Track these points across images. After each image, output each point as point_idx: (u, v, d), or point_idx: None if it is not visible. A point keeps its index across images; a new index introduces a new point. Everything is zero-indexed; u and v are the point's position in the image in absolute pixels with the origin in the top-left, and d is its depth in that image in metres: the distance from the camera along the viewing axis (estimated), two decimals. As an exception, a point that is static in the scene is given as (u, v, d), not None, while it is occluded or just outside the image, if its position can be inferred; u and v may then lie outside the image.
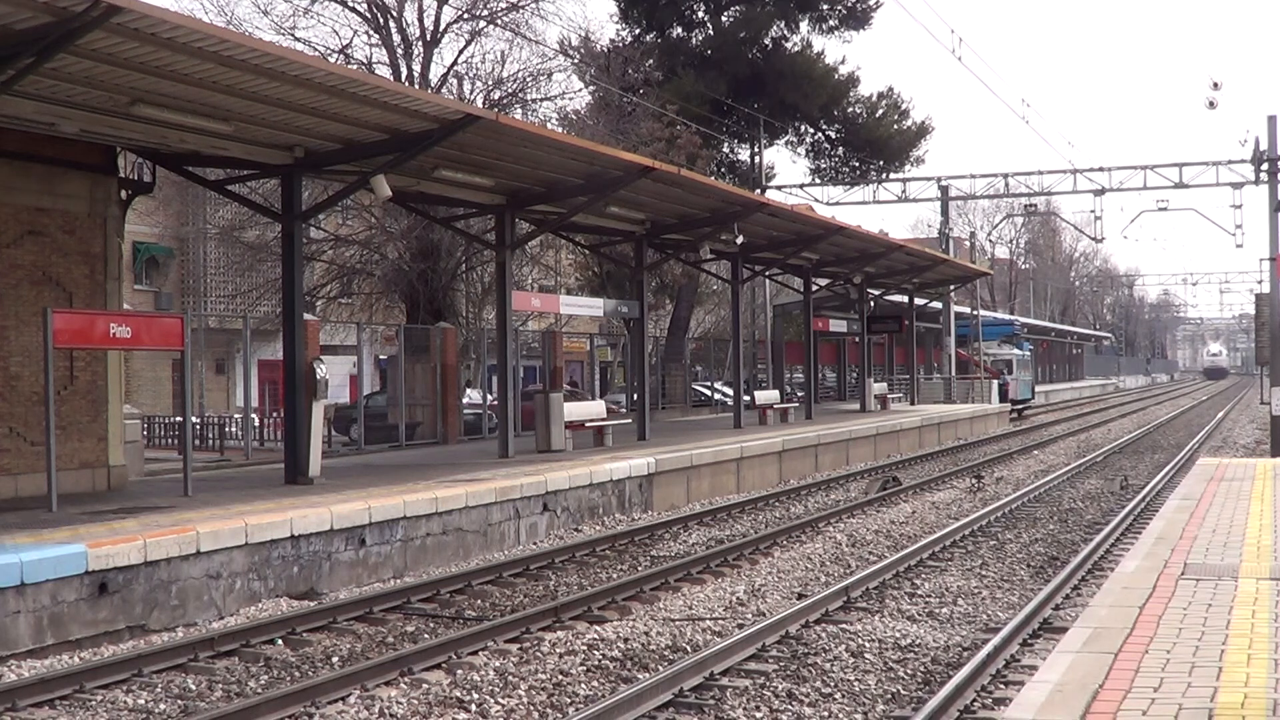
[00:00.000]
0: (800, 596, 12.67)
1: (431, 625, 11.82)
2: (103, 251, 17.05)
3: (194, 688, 9.60)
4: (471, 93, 32.62)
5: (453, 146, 17.34)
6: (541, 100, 35.17)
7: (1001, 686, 9.23)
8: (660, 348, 45.20)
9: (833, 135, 51.04)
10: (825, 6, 47.98)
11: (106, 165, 17.19)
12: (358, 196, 26.06)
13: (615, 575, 14.33)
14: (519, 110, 33.17)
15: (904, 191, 47.29)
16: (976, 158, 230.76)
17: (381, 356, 34.51)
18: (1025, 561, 15.06)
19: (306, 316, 18.32)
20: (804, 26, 48.50)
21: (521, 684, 9.30)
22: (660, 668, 9.68)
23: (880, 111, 50.89)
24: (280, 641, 11.01)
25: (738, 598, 12.70)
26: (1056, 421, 50.26)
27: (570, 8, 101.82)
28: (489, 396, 29.59)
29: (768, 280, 44.81)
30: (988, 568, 14.59)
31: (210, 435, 28.27)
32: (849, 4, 48.13)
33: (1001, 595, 12.93)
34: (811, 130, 51.01)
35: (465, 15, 32.30)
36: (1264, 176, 35.44)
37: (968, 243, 68.13)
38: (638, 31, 47.01)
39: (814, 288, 37.71)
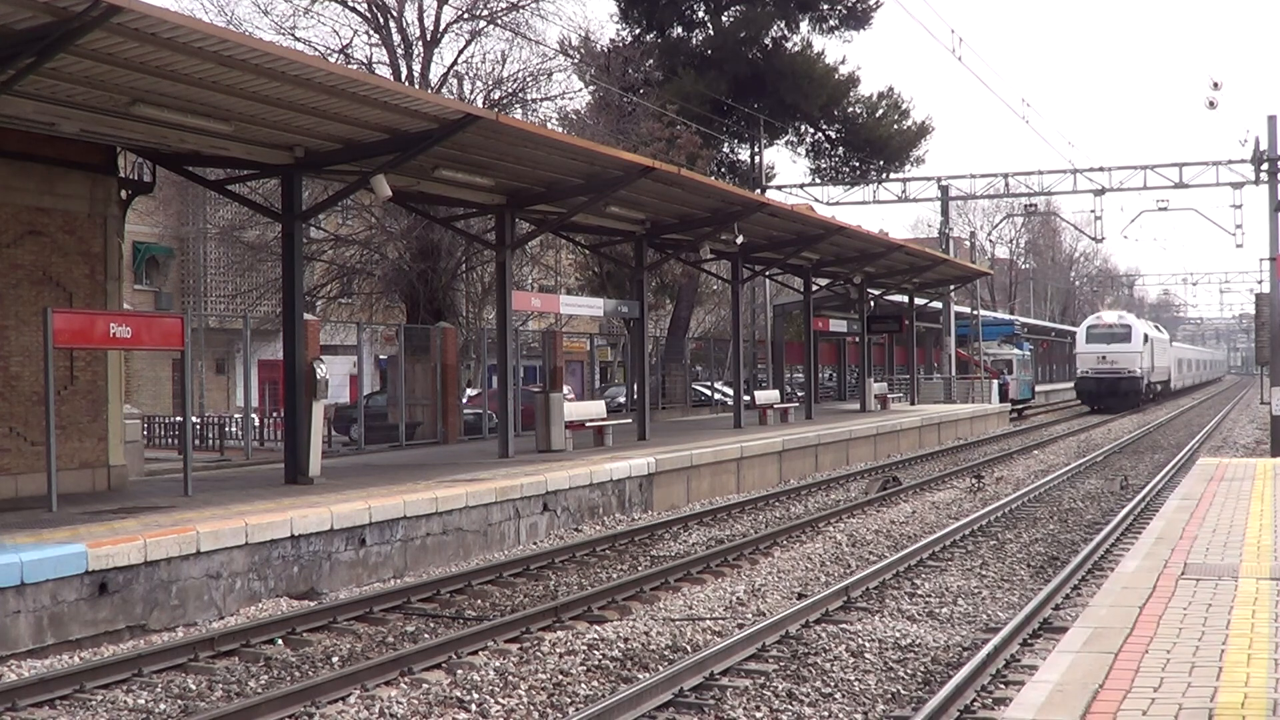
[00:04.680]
0: (800, 596, 12.67)
1: (431, 625, 11.82)
2: (103, 251, 17.05)
3: (194, 688, 9.60)
4: (471, 93, 32.65)
5: (453, 146, 17.34)
6: (541, 100, 35.24)
7: (1001, 686, 9.23)
8: (660, 348, 45.20)
9: (833, 135, 51.05)
10: (825, 6, 48.00)
11: (106, 165, 17.19)
12: (358, 196, 26.07)
13: (615, 575, 14.33)
14: (519, 110, 33.19)
15: (904, 191, 47.32)
16: (976, 158, 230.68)
17: (381, 356, 34.50)
18: (1025, 561, 15.05)
19: (306, 316, 18.32)
20: (804, 26, 48.58)
21: (521, 684, 9.30)
22: (660, 668, 9.68)
23: (880, 111, 50.92)
24: (280, 641, 11.01)
25: (738, 597, 12.70)
26: (1056, 421, 50.26)
27: (570, 8, 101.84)
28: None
29: (768, 280, 44.82)
30: (988, 568, 14.59)
31: (210, 435, 28.28)
32: (849, 4, 48.15)
33: (1001, 595, 12.93)
34: (811, 130, 51.03)
35: (465, 15, 32.34)
36: (1264, 176, 35.45)
37: (968, 243, 68.11)
38: (638, 31, 47.02)
39: (814, 288, 37.71)
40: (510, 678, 9.46)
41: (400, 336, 26.96)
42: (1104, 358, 57.36)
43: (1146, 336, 60.43)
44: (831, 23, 48.67)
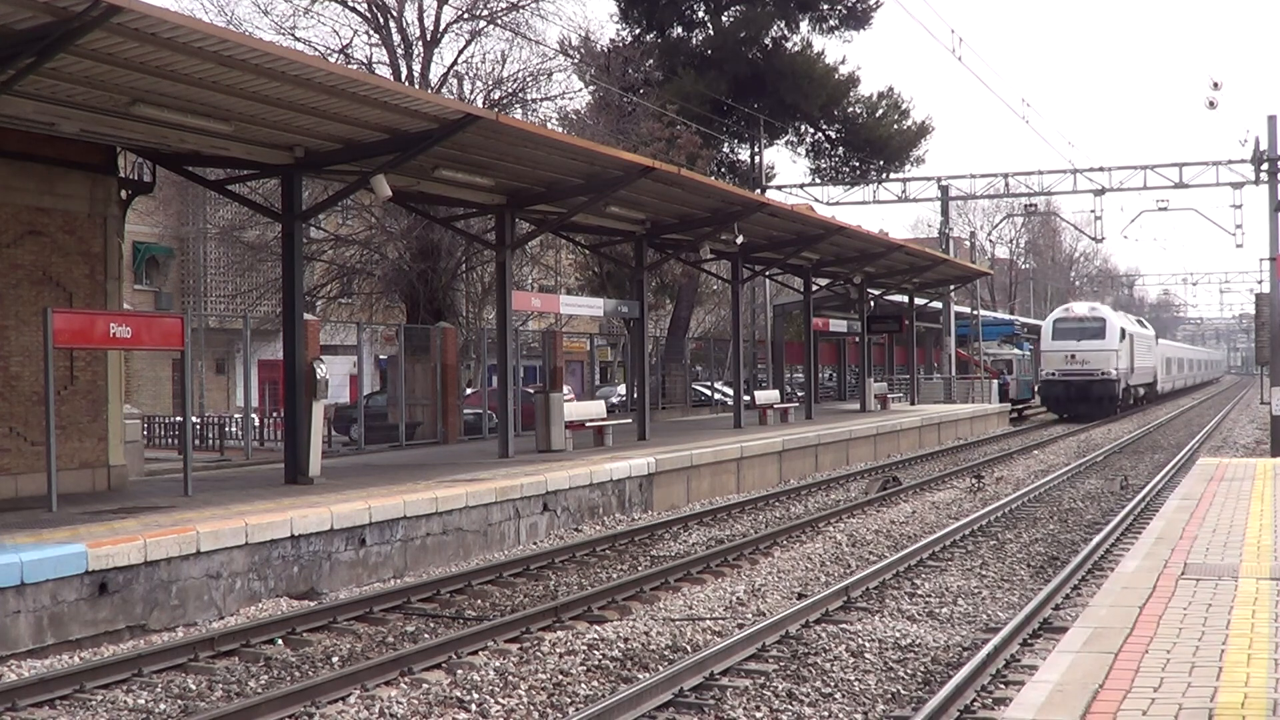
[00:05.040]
0: (800, 596, 12.67)
1: (431, 625, 11.82)
2: (103, 251, 17.05)
3: (194, 688, 9.60)
4: (471, 93, 32.64)
5: (453, 146, 17.34)
6: (541, 100, 35.23)
7: (1001, 686, 9.23)
8: (660, 348, 45.21)
9: (833, 135, 51.06)
10: (825, 6, 48.02)
11: (106, 165, 17.19)
12: (358, 196, 26.07)
13: (615, 575, 14.33)
14: (519, 110, 33.19)
15: (904, 191, 47.35)
16: (976, 158, 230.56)
17: (381, 356, 34.53)
18: (1025, 561, 15.05)
19: (306, 316, 18.32)
20: (804, 26, 48.60)
21: (521, 684, 9.30)
22: (660, 667, 9.68)
23: (880, 111, 50.93)
24: (280, 641, 11.01)
25: (738, 597, 12.70)
26: (1056, 421, 50.23)
27: (570, 8, 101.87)
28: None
29: (768, 280, 44.83)
30: (988, 568, 14.59)
31: (210, 435, 28.28)
32: (849, 4, 48.17)
33: (1001, 595, 12.93)
34: (811, 130, 51.04)
35: (465, 15, 32.32)
36: (1264, 176, 35.47)
37: (968, 243, 68.15)
38: (638, 31, 47.03)
39: (814, 288, 37.72)
40: (510, 678, 9.46)
41: (400, 336, 26.96)
42: (1073, 356, 48.91)
43: (1124, 332, 51.43)
44: (831, 23, 48.70)
